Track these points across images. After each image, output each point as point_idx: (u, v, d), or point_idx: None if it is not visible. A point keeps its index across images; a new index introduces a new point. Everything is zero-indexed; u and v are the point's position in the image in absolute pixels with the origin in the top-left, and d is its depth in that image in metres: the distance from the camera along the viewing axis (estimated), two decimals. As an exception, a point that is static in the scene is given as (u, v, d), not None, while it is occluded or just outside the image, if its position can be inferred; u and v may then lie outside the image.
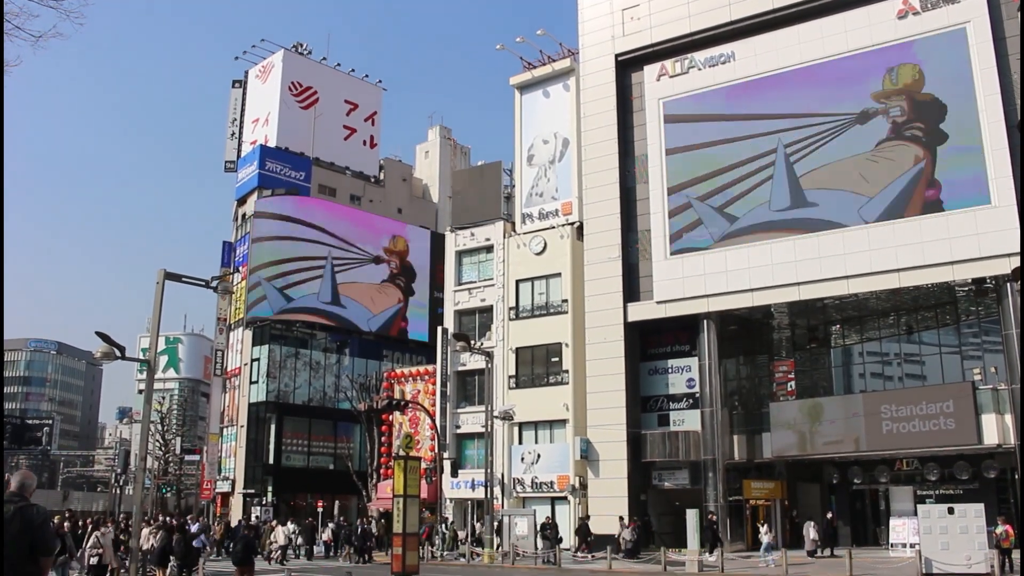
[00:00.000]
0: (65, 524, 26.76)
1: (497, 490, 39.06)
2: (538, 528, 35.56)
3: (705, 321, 37.61)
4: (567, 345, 41.19)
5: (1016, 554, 25.17)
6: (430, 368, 48.26)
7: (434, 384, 46.28)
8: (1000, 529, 24.99)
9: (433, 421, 41.23)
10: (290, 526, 39.18)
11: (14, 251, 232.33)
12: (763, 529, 33.10)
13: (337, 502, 51.63)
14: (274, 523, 40.74)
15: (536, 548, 34.59)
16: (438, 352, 45.91)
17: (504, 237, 44.99)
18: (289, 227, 58.68)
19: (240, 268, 59.85)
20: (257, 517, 47.69)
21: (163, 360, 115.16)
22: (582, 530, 35.12)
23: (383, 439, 49.52)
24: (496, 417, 36.84)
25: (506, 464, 41.46)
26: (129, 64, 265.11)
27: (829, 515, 35.01)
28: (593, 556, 34.05)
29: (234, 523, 44.15)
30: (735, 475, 37.88)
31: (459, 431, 44.89)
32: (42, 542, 7.06)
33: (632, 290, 39.63)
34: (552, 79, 45.53)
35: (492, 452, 36.30)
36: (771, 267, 35.98)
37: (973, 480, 34.72)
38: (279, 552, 36.28)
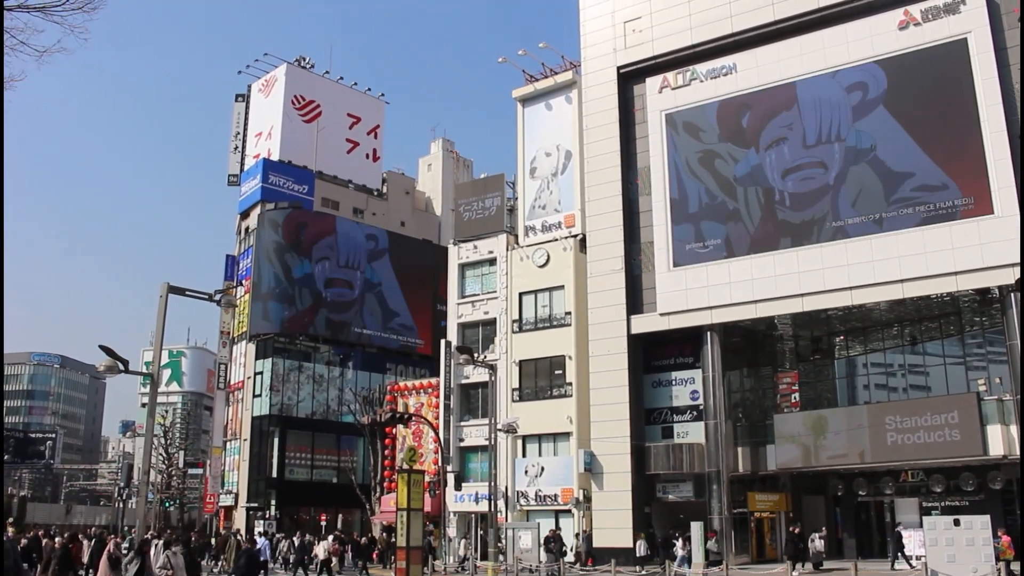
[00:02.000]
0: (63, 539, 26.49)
1: (501, 503, 38.93)
2: (542, 541, 35.48)
3: (708, 333, 37.56)
4: (570, 357, 41.12)
5: (1016, 566, 25.06)
6: (433, 381, 48.20)
7: (437, 397, 46.21)
8: (996, 541, 24.88)
9: (436, 434, 41.14)
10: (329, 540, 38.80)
11: (18, 264, 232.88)
12: (679, 544, 33.24)
13: (340, 516, 51.49)
14: (315, 538, 40.70)
15: (540, 561, 34.47)
16: (441, 365, 45.85)
17: (507, 250, 44.98)
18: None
19: (243, 281, 59.91)
20: (262, 532, 47.50)
21: (166, 373, 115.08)
22: (666, 543, 34.73)
23: (386, 452, 49.43)
24: (500, 430, 36.75)
25: (510, 477, 41.35)
26: (133, 78, 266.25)
27: (899, 528, 33.76)
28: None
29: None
30: (739, 487, 37.76)
31: (463, 444, 44.78)
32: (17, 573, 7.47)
33: (635, 302, 39.62)
34: (554, 92, 45.61)
35: (496, 465, 36.20)
36: (774, 278, 35.96)
37: (979, 491, 34.58)
38: (320, 565, 36.26)
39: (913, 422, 33.03)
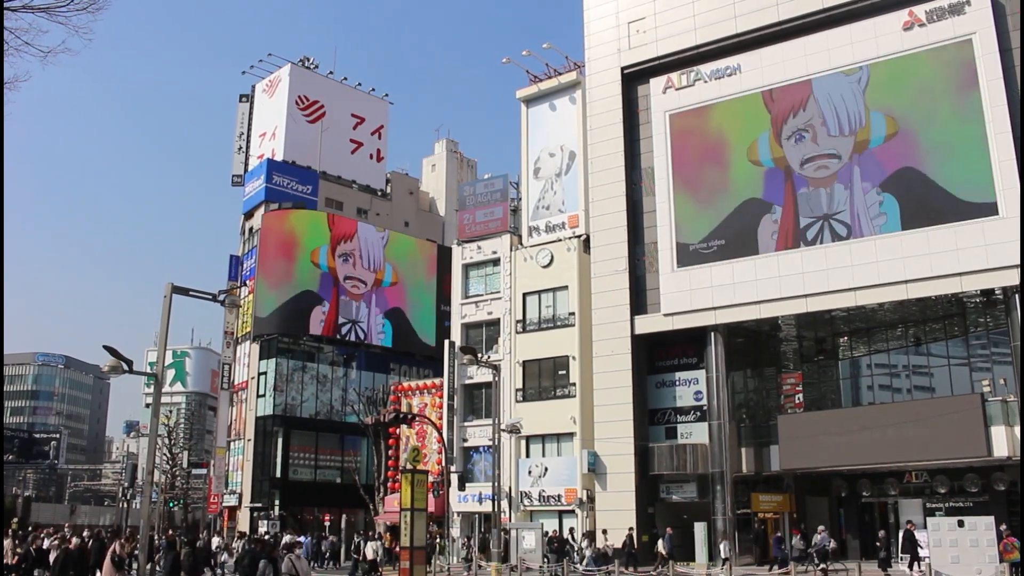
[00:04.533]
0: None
1: (504, 504, 38.92)
2: (547, 541, 35.44)
3: (712, 333, 37.54)
4: (574, 358, 41.12)
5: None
6: (437, 381, 48.21)
7: (441, 397, 46.22)
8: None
9: (440, 434, 41.15)
10: (377, 542, 38.49)
11: (22, 264, 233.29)
12: (584, 543, 33.27)
13: (344, 516, 51.50)
14: (360, 539, 40.56)
15: (545, 561, 34.43)
16: (445, 365, 45.88)
17: (511, 250, 45.00)
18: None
19: (247, 281, 59.96)
20: (265, 532, 47.55)
21: (170, 374, 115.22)
22: (758, 538, 34.12)
23: (390, 452, 49.44)
24: (503, 430, 36.73)
25: (513, 477, 41.35)
26: (137, 78, 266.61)
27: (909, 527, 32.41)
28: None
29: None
30: (743, 488, 37.74)
31: (466, 444, 44.81)
32: None
33: (639, 303, 39.60)
34: (558, 92, 45.64)
35: (499, 465, 36.19)
36: (778, 279, 35.93)
37: (983, 493, 34.52)
38: (368, 566, 36.18)
39: (917, 423, 32.95)
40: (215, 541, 40.97)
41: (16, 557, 24.63)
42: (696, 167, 39.24)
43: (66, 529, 34.90)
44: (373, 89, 73.21)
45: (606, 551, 34.53)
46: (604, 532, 36.24)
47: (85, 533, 33.43)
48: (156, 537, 32.86)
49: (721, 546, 34.34)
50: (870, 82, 35.74)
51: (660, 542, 34.38)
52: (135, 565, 21.43)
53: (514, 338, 43.46)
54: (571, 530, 37.48)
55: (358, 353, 60.65)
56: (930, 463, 34.22)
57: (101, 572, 24.31)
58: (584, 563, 32.80)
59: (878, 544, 30.70)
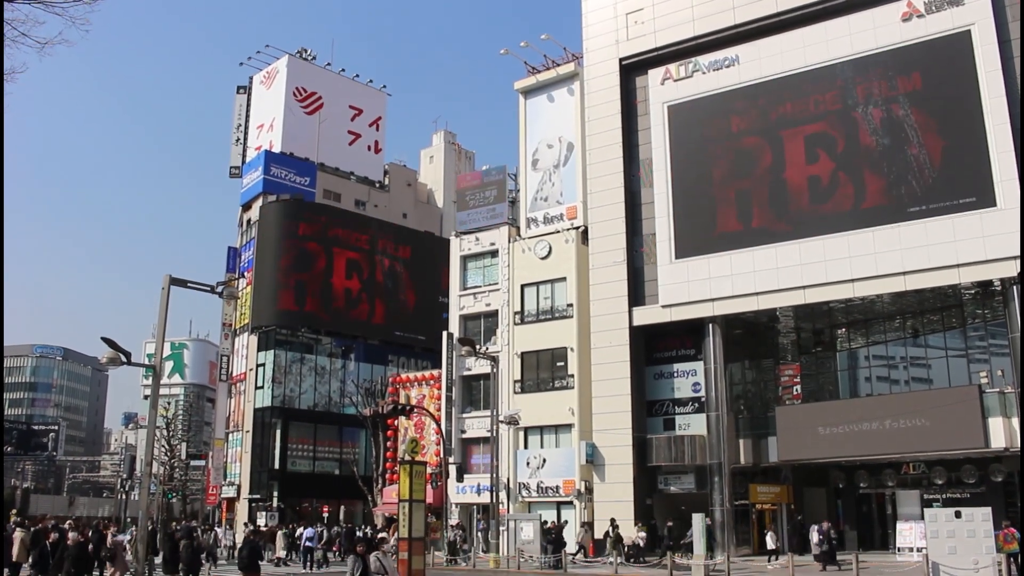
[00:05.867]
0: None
1: (503, 495, 38.99)
2: (544, 532, 35.54)
3: (710, 325, 37.57)
4: (572, 349, 41.13)
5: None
6: (435, 373, 48.22)
7: (439, 389, 46.25)
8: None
9: (438, 426, 41.18)
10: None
11: (21, 257, 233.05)
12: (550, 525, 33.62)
13: (343, 507, 51.62)
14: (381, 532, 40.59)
15: (545, 553, 34.52)
16: (443, 357, 45.87)
17: (509, 242, 44.95)
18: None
19: (245, 273, 59.96)
20: (267, 524, 47.62)
21: (169, 365, 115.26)
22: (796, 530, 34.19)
23: (388, 444, 49.49)
24: (501, 422, 36.78)
25: (511, 469, 41.40)
26: (134, 70, 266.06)
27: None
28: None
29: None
30: (741, 479, 37.80)
31: (464, 436, 44.84)
32: None
33: (637, 294, 39.62)
34: (556, 83, 45.53)
35: (497, 457, 36.25)
36: (776, 270, 35.93)
37: (980, 484, 34.61)
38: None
39: (915, 415, 33.00)
40: None
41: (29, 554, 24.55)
42: (694, 158, 39.22)
43: (48, 521, 34.82)
44: (371, 81, 73.24)
45: (637, 542, 34.61)
46: (637, 524, 36.22)
47: (68, 524, 33.42)
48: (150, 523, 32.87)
49: (767, 537, 34.26)
50: (867, 71, 35.72)
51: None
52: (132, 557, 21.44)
53: (512, 330, 43.45)
54: (612, 520, 37.07)
55: (356, 345, 60.65)
56: (927, 454, 34.28)
57: (99, 564, 24.38)
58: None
59: (821, 537, 30.78)
